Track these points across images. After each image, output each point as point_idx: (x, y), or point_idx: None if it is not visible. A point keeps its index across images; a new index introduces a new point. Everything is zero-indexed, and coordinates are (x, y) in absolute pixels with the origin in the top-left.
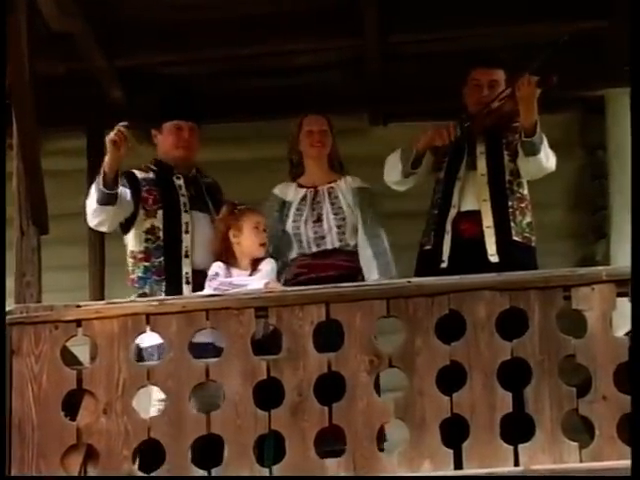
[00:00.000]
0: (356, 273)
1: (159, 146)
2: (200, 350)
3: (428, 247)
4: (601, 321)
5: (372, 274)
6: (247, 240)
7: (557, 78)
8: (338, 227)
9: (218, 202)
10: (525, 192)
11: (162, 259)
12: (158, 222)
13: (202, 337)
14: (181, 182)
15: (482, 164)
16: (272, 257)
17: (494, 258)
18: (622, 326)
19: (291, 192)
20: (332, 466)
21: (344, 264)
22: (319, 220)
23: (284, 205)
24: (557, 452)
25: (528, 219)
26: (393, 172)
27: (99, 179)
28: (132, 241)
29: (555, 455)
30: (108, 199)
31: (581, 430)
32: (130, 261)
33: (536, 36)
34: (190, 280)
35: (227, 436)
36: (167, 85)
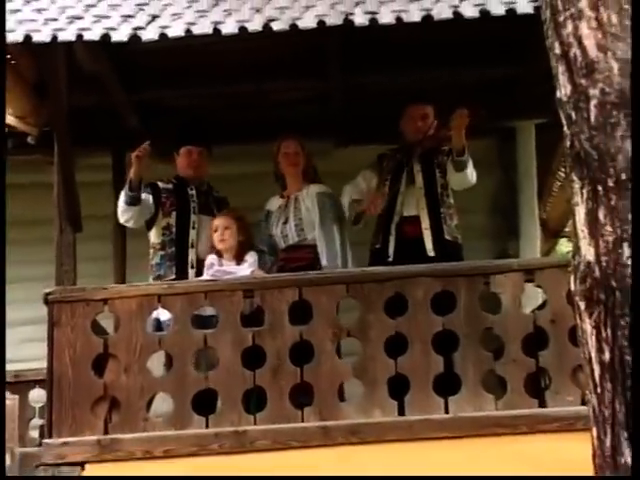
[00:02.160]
0: (317, 262)
1: (177, 165)
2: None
3: (378, 246)
4: (513, 301)
5: (323, 260)
6: (214, 238)
7: (485, 111)
8: (296, 225)
9: (218, 208)
10: (452, 201)
11: (174, 249)
12: (172, 220)
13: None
14: (193, 192)
15: (419, 179)
16: (261, 251)
17: (431, 253)
18: (528, 305)
19: (274, 203)
20: (303, 414)
21: (308, 256)
22: (286, 222)
23: (268, 215)
24: (478, 403)
25: (455, 222)
26: (349, 195)
27: (126, 185)
28: (153, 236)
29: (476, 405)
30: (133, 200)
31: (497, 386)
32: (150, 251)
33: (466, 77)
34: (194, 265)
35: (221, 390)
36: (179, 117)
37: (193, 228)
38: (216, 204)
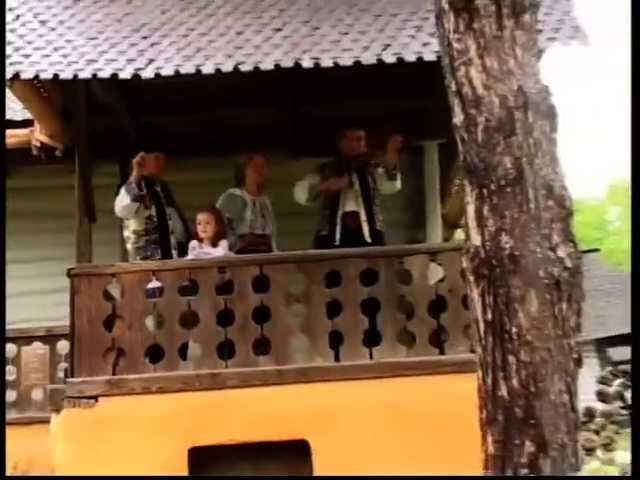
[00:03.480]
0: (271, 250)
1: (146, 166)
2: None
3: (324, 233)
4: (420, 276)
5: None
6: (198, 229)
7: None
8: (272, 222)
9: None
10: (379, 201)
11: (157, 235)
12: (153, 212)
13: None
14: (159, 189)
15: (356, 184)
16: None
17: (368, 240)
18: (432, 279)
19: (246, 196)
20: (263, 360)
21: (268, 242)
22: (263, 216)
23: (244, 202)
24: (394, 352)
25: (381, 217)
26: (300, 196)
27: (132, 186)
28: (134, 224)
29: (393, 353)
30: (137, 198)
31: (408, 339)
32: (133, 236)
33: (387, 108)
34: (176, 247)
35: (201, 342)
36: (171, 136)
37: (170, 219)
38: (170, 197)
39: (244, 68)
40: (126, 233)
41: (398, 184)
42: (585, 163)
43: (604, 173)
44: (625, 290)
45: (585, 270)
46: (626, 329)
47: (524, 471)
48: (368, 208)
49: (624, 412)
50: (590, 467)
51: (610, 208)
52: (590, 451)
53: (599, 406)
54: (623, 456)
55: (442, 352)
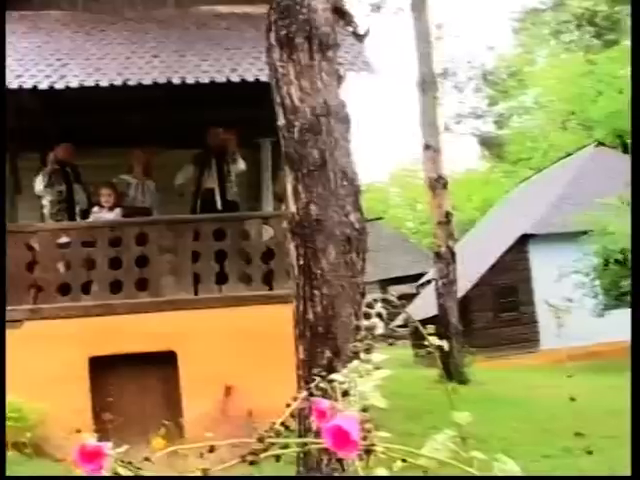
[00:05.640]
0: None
1: (60, 153)
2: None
3: (192, 204)
4: (256, 235)
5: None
6: (102, 199)
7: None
8: (147, 199)
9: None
10: (233, 178)
11: (65, 204)
12: (63, 188)
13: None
14: (69, 170)
15: (214, 167)
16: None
17: (219, 207)
18: (265, 236)
19: (131, 179)
20: (142, 294)
21: (148, 212)
22: (143, 194)
23: (129, 184)
24: (237, 288)
25: (235, 190)
26: (178, 181)
27: (46, 176)
28: (50, 196)
29: (236, 289)
30: (49, 185)
31: (247, 279)
32: (49, 205)
33: (238, 114)
34: (79, 214)
35: (97, 281)
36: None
37: (77, 194)
38: (78, 176)
39: (130, 83)
40: (44, 202)
41: (241, 165)
42: (374, 155)
43: (388, 163)
44: (400, 246)
45: (372, 232)
46: (400, 273)
47: (321, 369)
48: (221, 185)
49: (380, 326)
50: (353, 365)
51: (391, 189)
52: (356, 354)
53: (365, 323)
54: (377, 356)
55: (271, 288)
